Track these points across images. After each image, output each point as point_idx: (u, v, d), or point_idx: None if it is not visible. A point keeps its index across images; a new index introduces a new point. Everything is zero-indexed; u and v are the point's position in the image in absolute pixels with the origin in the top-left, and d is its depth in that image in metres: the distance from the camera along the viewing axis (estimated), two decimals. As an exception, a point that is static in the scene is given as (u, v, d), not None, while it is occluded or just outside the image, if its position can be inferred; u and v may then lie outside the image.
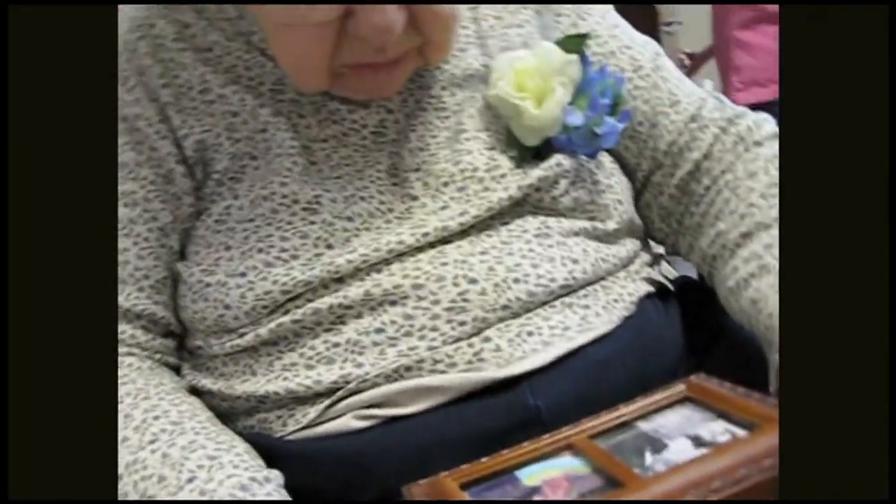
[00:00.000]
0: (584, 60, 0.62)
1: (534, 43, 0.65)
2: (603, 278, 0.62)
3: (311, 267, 0.57)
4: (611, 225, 0.64)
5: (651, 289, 0.64)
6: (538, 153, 0.62)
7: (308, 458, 0.55)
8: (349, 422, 0.55)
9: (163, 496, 0.48)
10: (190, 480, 0.48)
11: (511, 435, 0.52)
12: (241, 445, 0.53)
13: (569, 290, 0.59)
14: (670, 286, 0.68)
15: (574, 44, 0.63)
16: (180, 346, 0.65)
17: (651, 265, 0.69)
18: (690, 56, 2.38)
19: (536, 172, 0.61)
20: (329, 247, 0.58)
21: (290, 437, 0.57)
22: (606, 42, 0.69)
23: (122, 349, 0.60)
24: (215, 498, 0.47)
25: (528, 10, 0.68)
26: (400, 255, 0.57)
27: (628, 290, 0.62)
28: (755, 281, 0.57)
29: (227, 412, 0.60)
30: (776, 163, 0.63)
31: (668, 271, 0.75)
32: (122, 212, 0.61)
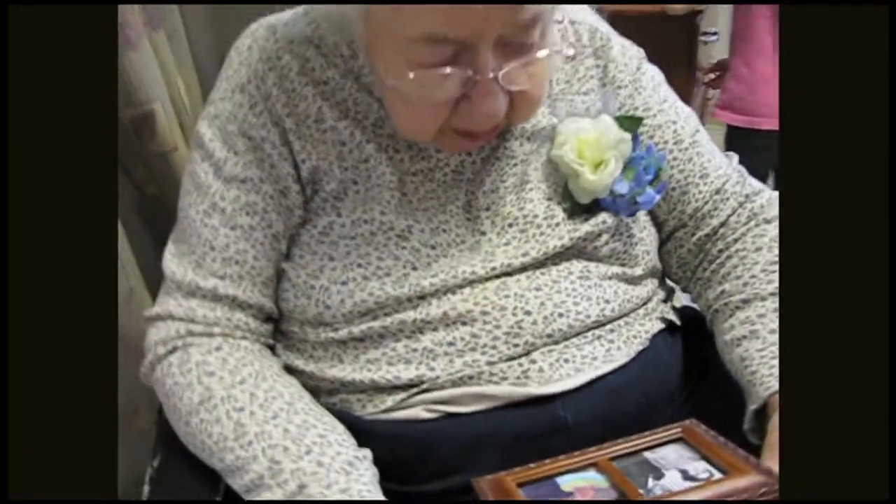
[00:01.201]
0: (635, 139, 0.76)
1: (595, 111, 0.78)
2: (626, 315, 0.76)
3: (401, 285, 0.71)
4: (637, 271, 0.78)
5: (663, 326, 0.79)
6: (587, 208, 0.76)
7: (382, 436, 0.70)
8: (419, 412, 0.70)
9: (287, 462, 0.62)
10: (308, 452, 0.63)
11: (543, 438, 0.68)
12: (340, 426, 0.68)
13: (599, 324, 0.74)
14: (677, 321, 0.82)
15: (629, 124, 0.76)
16: (276, 329, 0.79)
17: (665, 300, 0.83)
18: (718, 64, 2.44)
19: (585, 227, 0.75)
20: (414, 269, 0.72)
21: (368, 418, 0.72)
22: (655, 115, 0.82)
23: (238, 333, 0.73)
24: (332, 469, 0.62)
25: (593, 80, 0.80)
26: (471, 283, 0.72)
27: (645, 328, 0.77)
28: (745, 342, 0.72)
29: (314, 389, 0.74)
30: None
31: (678, 299, 0.90)
32: (244, 219, 0.73)
